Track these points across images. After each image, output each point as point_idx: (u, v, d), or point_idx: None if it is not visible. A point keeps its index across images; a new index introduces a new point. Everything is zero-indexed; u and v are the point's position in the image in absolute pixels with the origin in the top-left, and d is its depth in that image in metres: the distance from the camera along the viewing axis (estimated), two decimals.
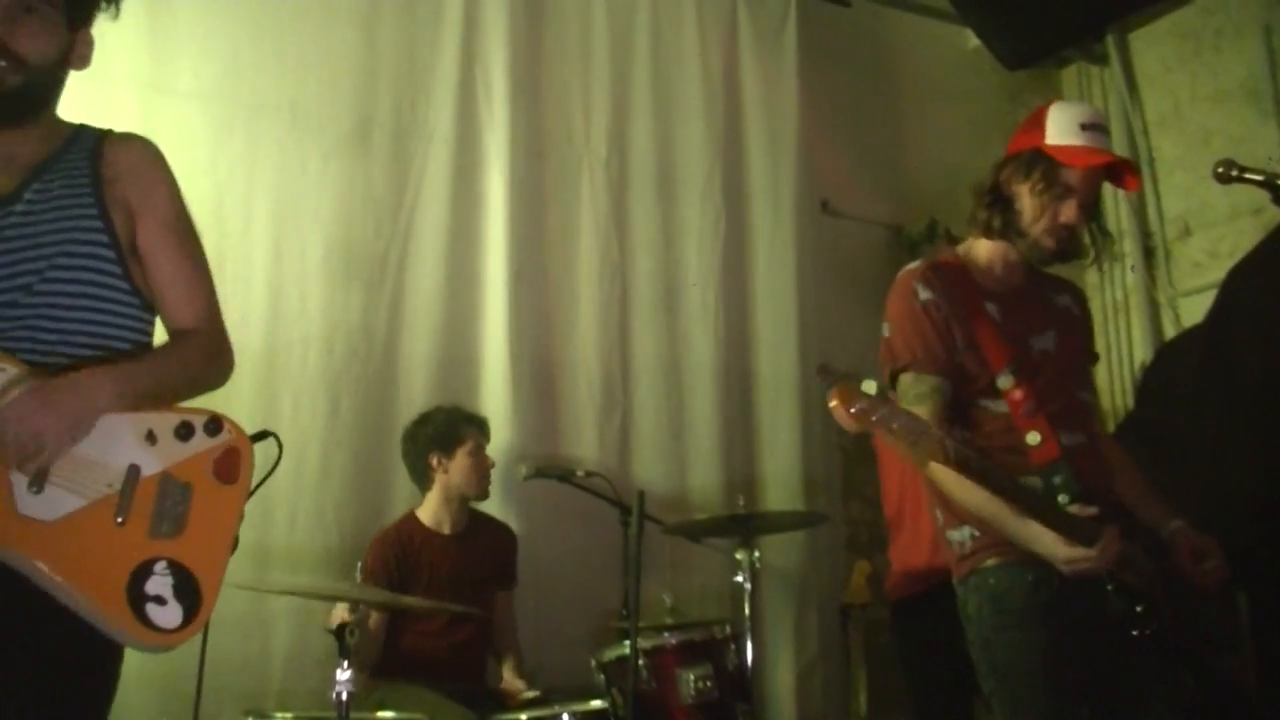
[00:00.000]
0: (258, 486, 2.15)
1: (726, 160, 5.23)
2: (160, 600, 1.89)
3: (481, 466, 4.10)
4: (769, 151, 5.32)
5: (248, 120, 4.42)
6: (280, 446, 2.33)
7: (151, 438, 1.99)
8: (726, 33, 5.38)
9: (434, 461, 4.07)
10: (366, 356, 4.42)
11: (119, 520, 1.90)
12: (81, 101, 4.21)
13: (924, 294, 2.59)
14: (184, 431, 2.02)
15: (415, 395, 4.40)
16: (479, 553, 4.10)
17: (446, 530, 4.07)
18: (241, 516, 2.06)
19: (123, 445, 1.96)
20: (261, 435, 2.21)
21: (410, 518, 4.10)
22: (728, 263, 5.11)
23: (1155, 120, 6.06)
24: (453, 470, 4.06)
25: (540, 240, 4.83)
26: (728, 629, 3.65)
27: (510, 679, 4.03)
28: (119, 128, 4.04)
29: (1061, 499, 2.43)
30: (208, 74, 4.37)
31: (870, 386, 2.11)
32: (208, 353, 2.17)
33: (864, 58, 5.97)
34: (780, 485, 4.93)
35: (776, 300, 5.16)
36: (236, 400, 4.10)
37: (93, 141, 2.16)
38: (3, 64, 2.01)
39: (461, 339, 4.57)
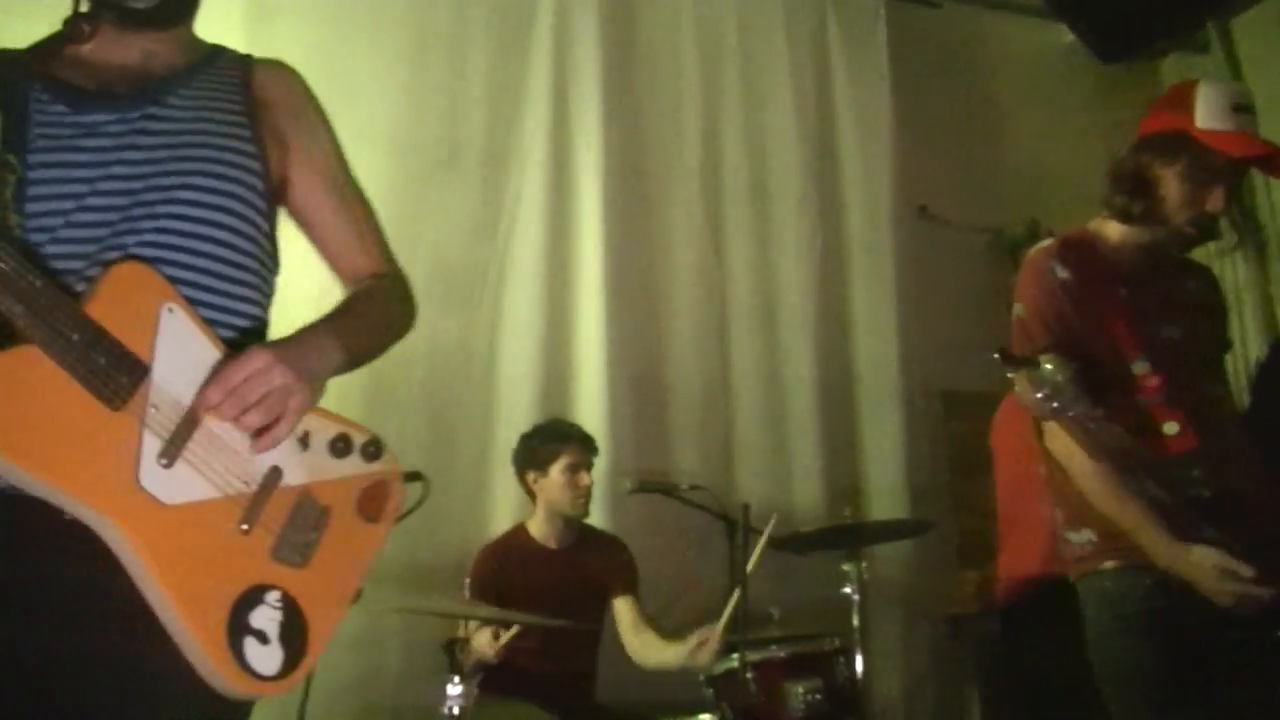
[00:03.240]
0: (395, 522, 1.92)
1: (820, 169, 5.21)
2: (263, 638, 1.50)
3: (576, 484, 4.03)
4: (863, 159, 5.29)
5: (346, 148, 4.50)
6: (427, 488, 2.18)
7: (305, 441, 1.64)
8: (815, 41, 5.36)
9: (530, 479, 4.08)
10: (468, 376, 4.48)
11: (243, 527, 1.53)
12: None
13: (1061, 273, 2.50)
14: (341, 445, 1.68)
15: (517, 414, 4.44)
16: (588, 568, 4.07)
17: (554, 545, 4.06)
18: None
19: None
20: (414, 476, 2.05)
21: (520, 529, 4.11)
22: (825, 272, 5.08)
23: (1262, 108, 5.86)
24: (548, 487, 4.04)
25: (637, 256, 4.85)
26: (836, 641, 3.61)
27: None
28: None
29: (1200, 491, 2.35)
30: None
31: (1055, 371, 2.05)
32: (401, 295, 1.92)
33: (956, 58, 5.89)
34: (886, 495, 4.88)
35: (875, 308, 5.11)
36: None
37: (241, 60, 1.84)
38: None
39: (561, 356, 4.60)
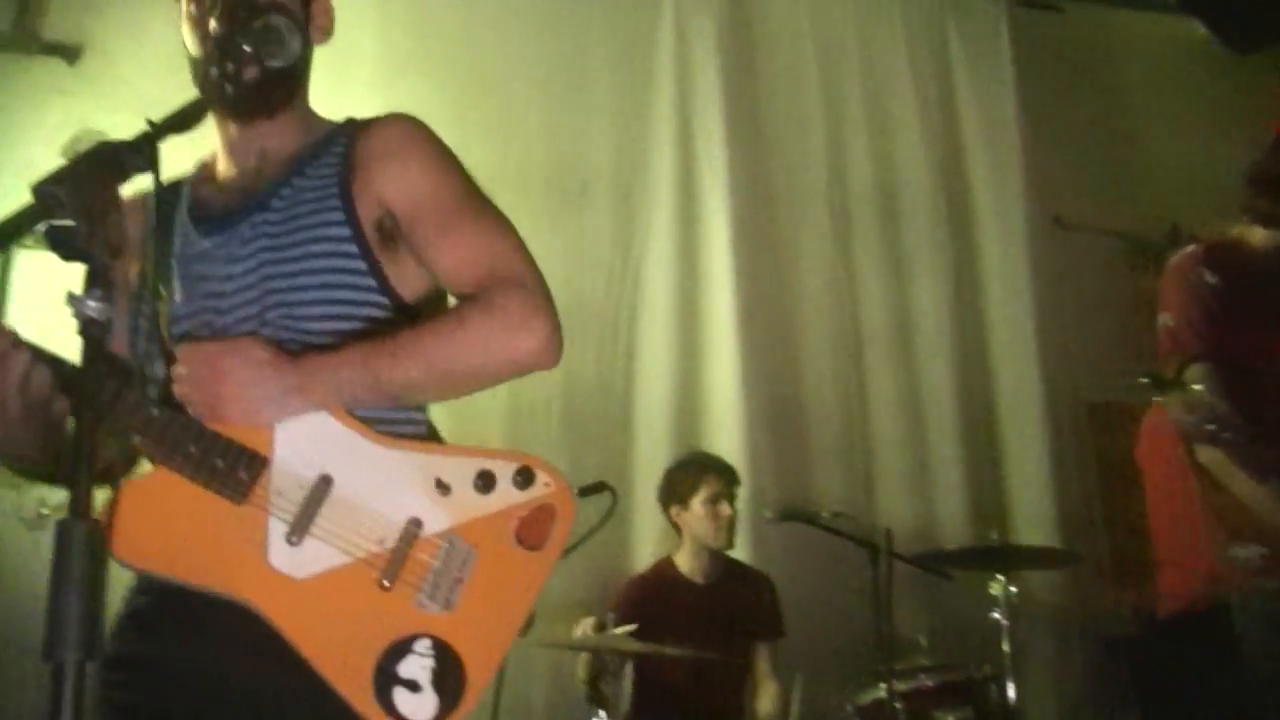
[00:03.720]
0: (581, 541, 1.88)
1: (949, 183, 5.14)
2: (414, 686, 1.55)
3: (718, 515, 4.02)
4: (993, 169, 5.19)
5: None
6: (615, 498, 2.06)
7: (442, 486, 1.64)
8: (937, 53, 5.30)
9: (674, 512, 4.09)
10: (605, 411, 4.52)
11: (384, 584, 1.58)
12: None
13: (1210, 278, 2.45)
14: (484, 482, 1.66)
15: (655, 447, 4.46)
16: (734, 603, 4.06)
17: (700, 580, 4.06)
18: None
19: (406, 493, 1.64)
20: (597, 487, 2.00)
21: (666, 563, 4.12)
22: (959, 288, 5.01)
23: None
24: (690, 520, 4.05)
25: (767, 281, 4.84)
26: (987, 668, 3.54)
27: None
28: None
29: None
30: None
31: (1206, 393, 1.99)
32: (488, 322, 1.70)
33: (1083, 61, 5.73)
34: (1033, 515, 4.76)
35: (1013, 322, 5.01)
36: None
37: (351, 130, 1.86)
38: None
39: (697, 387, 4.62)
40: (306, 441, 1.63)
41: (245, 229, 1.76)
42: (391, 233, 1.77)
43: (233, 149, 1.84)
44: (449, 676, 1.57)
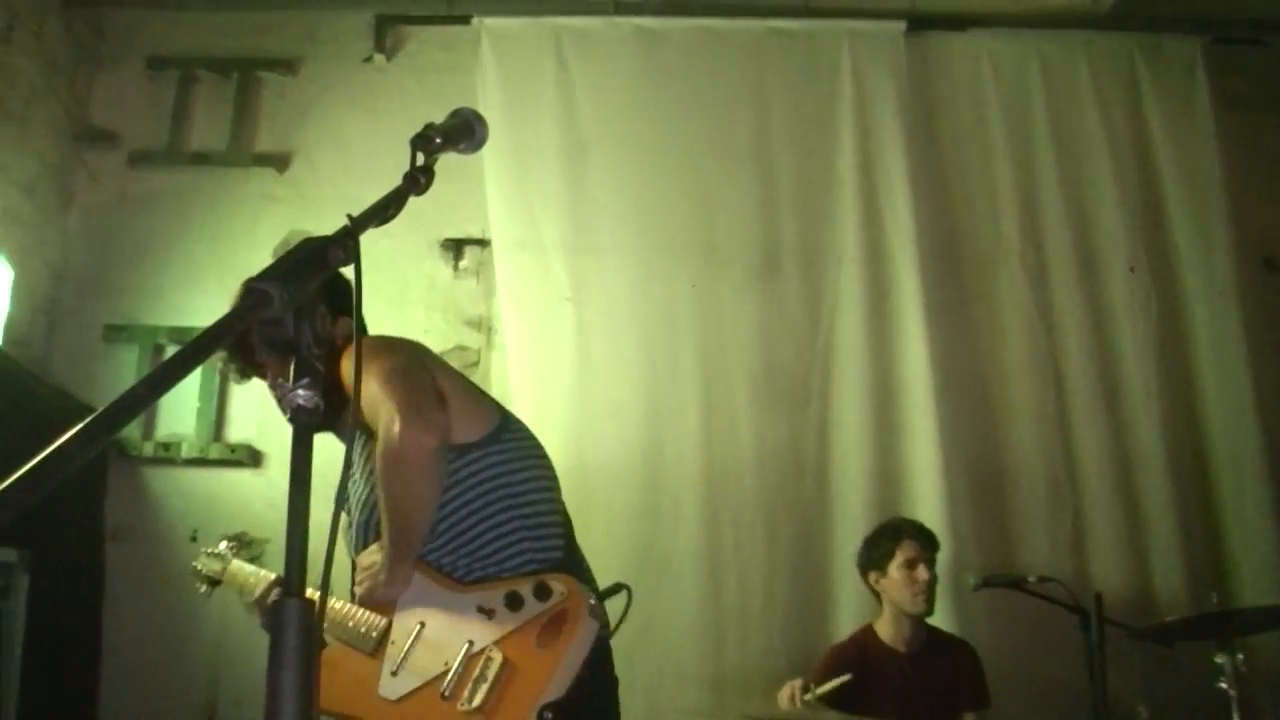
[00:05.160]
0: (608, 635, 2.21)
1: (1148, 230, 4.94)
2: None
3: (915, 580, 3.91)
4: (1195, 214, 4.97)
5: (665, 265, 4.73)
6: (630, 599, 2.36)
7: (487, 612, 2.18)
8: (1128, 97, 5.12)
9: (872, 579, 4.02)
10: (798, 478, 4.51)
11: (445, 694, 2.12)
12: (523, 272, 4.75)
13: None
14: (513, 601, 2.18)
15: (851, 513, 4.42)
16: (938, 674, 3.94)
17: (903, 649, 3.96)
18: (570, 678, 2.10)
19: (464, 624, 2.18)
20: (615, 589, 2.31)
21: (868, 631, 4.04)
22: (1165, 339, 4.79)
23: None
24: (888, 586, 3.96)
25: (962, 342, 4.76)
26: None
27: None
28: (553, 290, 4.49)
29: None
30: (625, 229, 4.74)
31: None
32: (382, 458, 2.29)
33: None
34: (1257, 576, 4.45)
35: (1225, 372, 4.75)
36: (680, 534, 4.33)
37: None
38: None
39: (892, 451, 4.55)
40: (412, 602, 2.27)
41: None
42: None
43: None
44: None
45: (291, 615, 1.21)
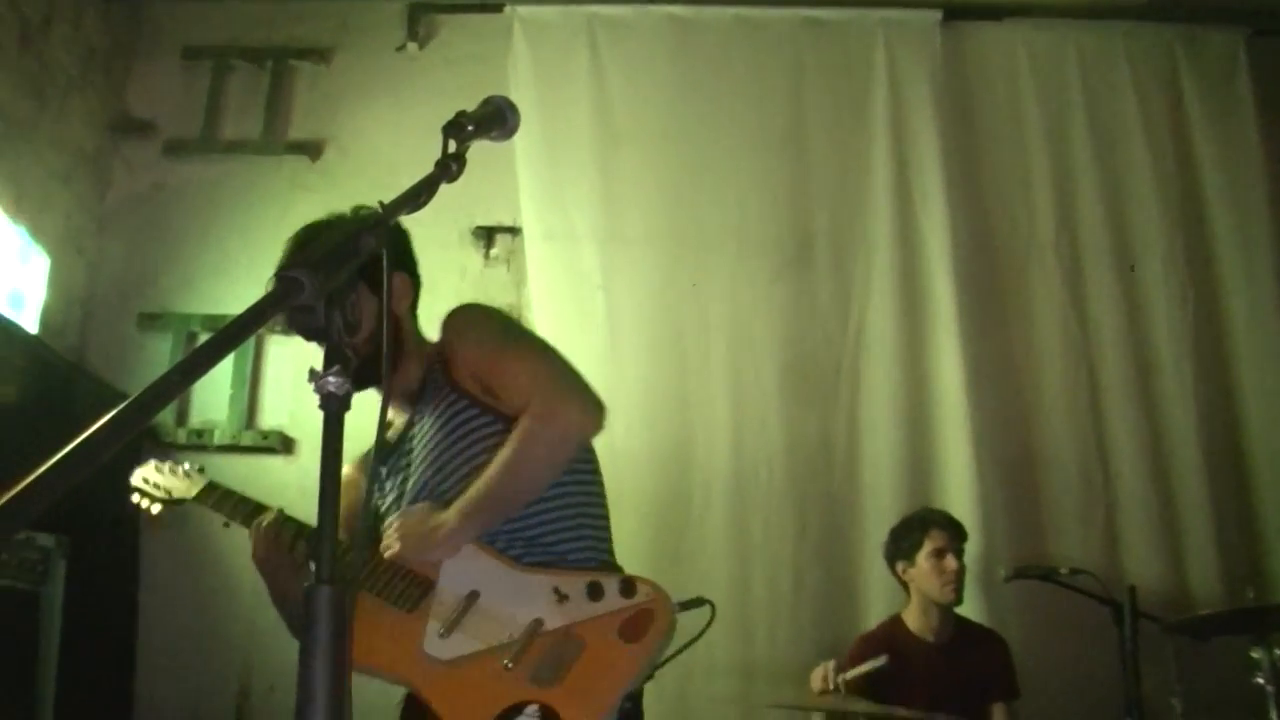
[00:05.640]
0: (684, 648, 2.20)
1: (1186, 223, 4.89)
2: None
3: (943, 569, 3.91)
4: (1234, 207, 4.91)
5: (697, 255, 4.73)
6: (713, 614, 2.32)
7: (562, 596, 2.16)
8: (1168, 90, 5.06)
9: (900, 569, 4.01)
10: (828, 469, 4.50)
11: (507, 665, 2.07)
12: (554, 260, 4.75)
13: None
14: (595, 591, 2.16)
15: (881, 505, 4.40)
16: (968, 664, 3.93)
17: (931, 639, 3.96)
18: (646, 674, 2.13)
19: (533, 601, 2.16)
20: (697, 602, 2.28)
21: (896, 621, 4.04)
22: (1201, 333, 4.74)
23: None
24: (917, 576, 3.96)
25: (995, 334, 4.73)
26: None
27: None
28: (584, 279, 4.48)
29: None
30: (656, 218, 4.74)
31: None
32: (530, 428, 2.27)
33: None
34: None
35: (1263, 366, 4.69)
36: (710, 523, 4.33)
37: (438, 345, 2.49)
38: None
39: (923, 443, 4.53)
40: (462, 570, 2.24)
41: (400, 463, 2.48)
42: (489, 387, 2.37)
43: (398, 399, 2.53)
44: None
45: (323, 602, 1.21)
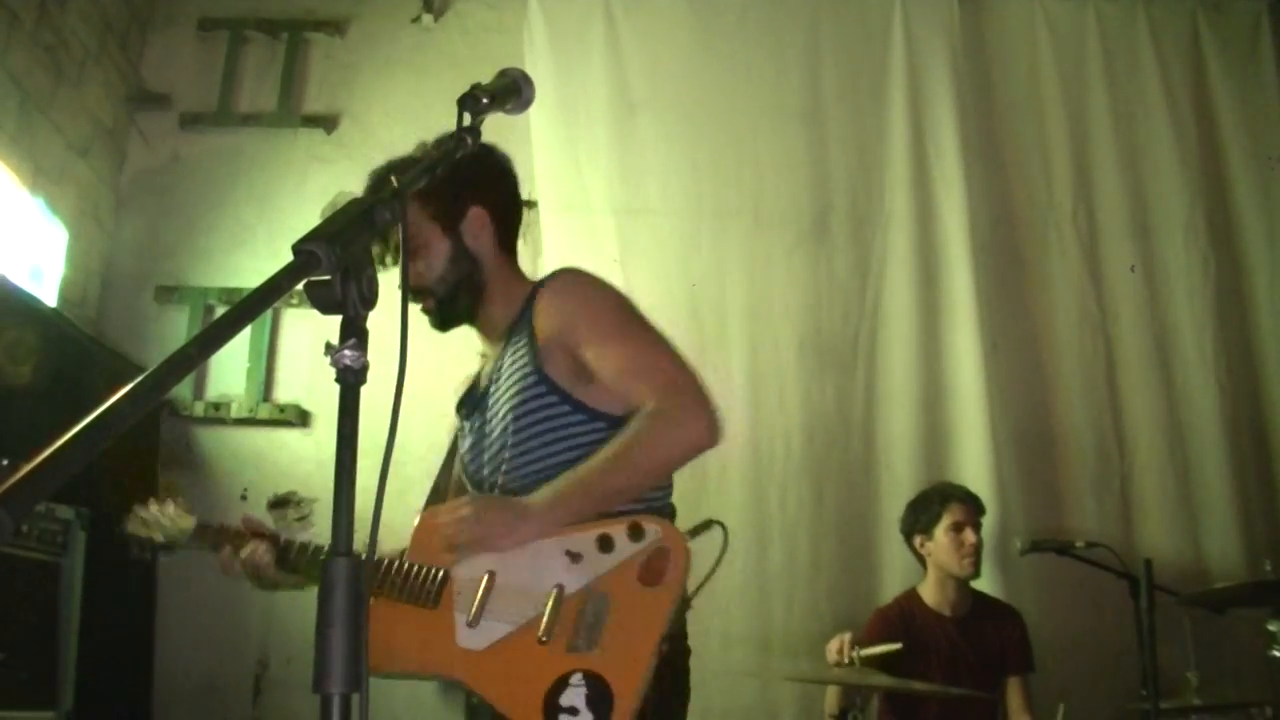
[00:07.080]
0: (708, 576, 2.14)
1: (1207, 194, 4.86)
2: (573, 711, 1.96)
3: (962, 543, 3.91)
4: (1256, 178, 4.88)
5: (714, 227, 4.71)
6: (726, 535, 2.24)
7: (574, 556, 2.09)
8: (1188, 58, 5.01)
9: (918, 543, 4.01)
10: (845, 442, 4.49)
11: (542, 639, 2.02)
12: (571, 233, 4.74)
13: None
14: (605, 543, 2.09)
15: (897, 477, 4.40)
16: (984, 638, 3.95)
17: (948, 612, 3.96)
18: (680, 609, 2.05)
19: (549, 569, 2.08)
20: (706, 525, 2.22)
21: (912, 595, 4.05)
22: (1221, 305, 4.71)
23: None
24: (935, 550, 3.97)
25: (1012, 306, 4.72)
26: (1269, 711, 3.30)
27: None
28: (600, 251, 4.46)
29: None
30: (673, 190, 4.72)
31: None
32: (652, 427, 2.14)
33: None
34: None
35: None
36: (727, 496, 4.34)
37: (532, 300, 2.33)
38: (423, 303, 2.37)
39: (940, 415, 4.53)
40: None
41: (476, 418, 2.40)
42: (584, 369, 2.23)
43: (488, 336, 2.48)
44: (600, 697, 1.97)
45: (340, 573, 1.21)
